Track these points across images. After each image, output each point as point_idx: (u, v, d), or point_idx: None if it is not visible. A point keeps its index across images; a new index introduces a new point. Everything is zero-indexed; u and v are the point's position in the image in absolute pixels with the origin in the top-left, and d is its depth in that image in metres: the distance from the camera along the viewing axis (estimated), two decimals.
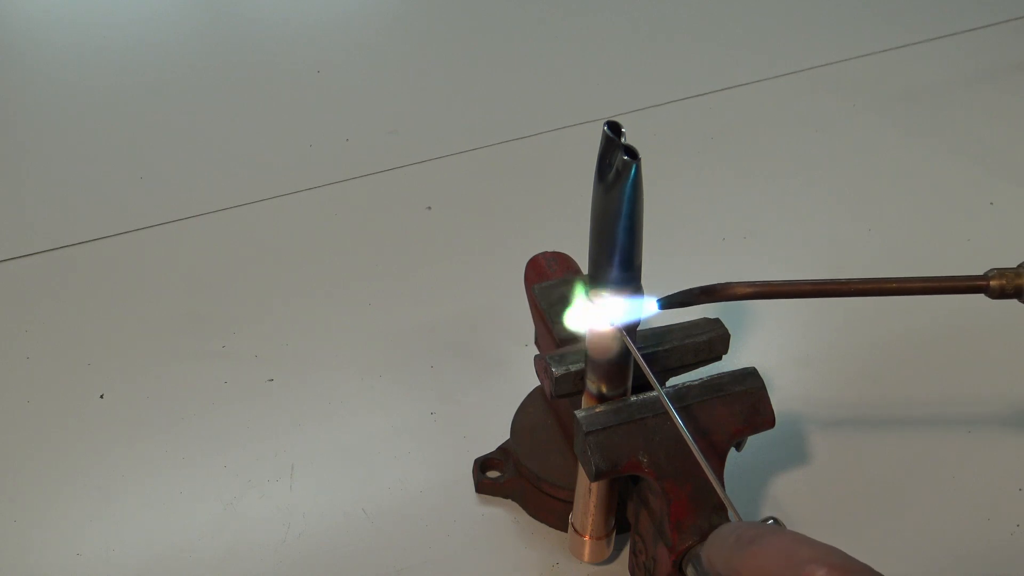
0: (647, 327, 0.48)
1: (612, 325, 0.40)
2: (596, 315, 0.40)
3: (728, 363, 0.49)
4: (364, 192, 0.79)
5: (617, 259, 0.38)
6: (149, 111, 0.91)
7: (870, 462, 0.57)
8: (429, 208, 0.77)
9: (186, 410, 0.60)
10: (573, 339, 0.50)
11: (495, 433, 0.56)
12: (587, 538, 0.48)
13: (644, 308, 0.40)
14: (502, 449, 0.56)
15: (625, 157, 0.34)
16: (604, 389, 0.44)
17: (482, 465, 0.55)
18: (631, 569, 0.49)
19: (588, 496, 0.46)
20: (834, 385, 0.62)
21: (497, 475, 0.55)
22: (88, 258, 0.73)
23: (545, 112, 0.88)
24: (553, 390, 0.46)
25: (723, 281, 0.40)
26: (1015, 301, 0.41)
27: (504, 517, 0.54)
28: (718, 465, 0.45)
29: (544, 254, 0.56)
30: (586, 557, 0.48)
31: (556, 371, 0.46)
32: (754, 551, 0.33)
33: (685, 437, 0.38)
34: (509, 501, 0.54)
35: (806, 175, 0.81)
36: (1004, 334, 0.65)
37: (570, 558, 0.50)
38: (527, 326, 0.56)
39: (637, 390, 0.45)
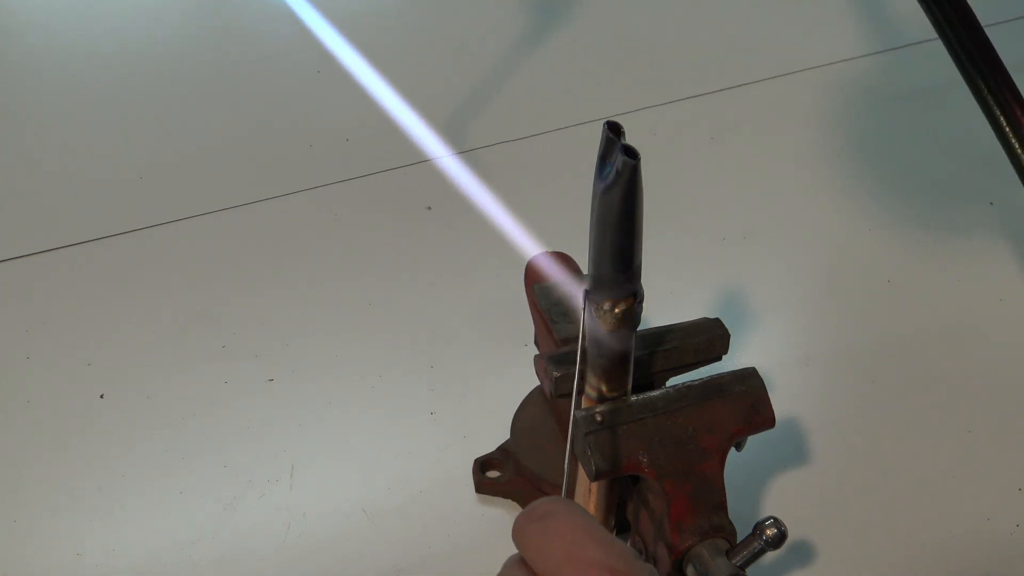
0: (646, 327, 0.48)
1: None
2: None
3: (728, 363, 0.49)
4: (364, 192, 0.79)
5: (617, 259, 0.38)
6: (148, 110, 0.90)
7: (870, 462, 0.57)
8: (429, 208, 0.77)
9: (186, 410, 0.60)
10: (573, 339, 0.50)
11: (495, 433, 0.56)
12: None
13: None
14: (502, 449, 0.55)
15: (625, 157, 0.34)
16: (604, 389, 0.44)
17: (482, 465, 0.55)
18: None
19: (588, 496, 0.46)
20: (834, 385, 0.62)
21: (497, 475, 0.55)
22: (88, 258, 0.72)
23: (545, 112, 0.88)
24: (553, 390, 0.46)
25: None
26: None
27: (504, 517, 0.54)
28: (718, 465, 0.45)
29: (544, 254, 0.56)
30: None
31: (556, 371, 0.46)
32: (542, 528, 0.32)
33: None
34: (509, 501, 0.54)
35: (806, 175, 0.81)
36: (1004, 334, 0.65)
37: None
38: (527, 326, 0.56)
39: (637, 390, 0.45)
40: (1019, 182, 0.53)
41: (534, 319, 0.54)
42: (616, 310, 0.39)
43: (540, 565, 0.32)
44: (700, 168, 0.82)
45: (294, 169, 0.82)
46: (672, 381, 0.48)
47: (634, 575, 0.31)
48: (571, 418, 0.41)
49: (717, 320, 0.49)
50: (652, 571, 0.31)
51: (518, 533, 0.34)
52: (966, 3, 0.54)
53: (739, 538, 0.44)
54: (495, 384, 0.61)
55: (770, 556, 0.43)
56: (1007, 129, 0.52)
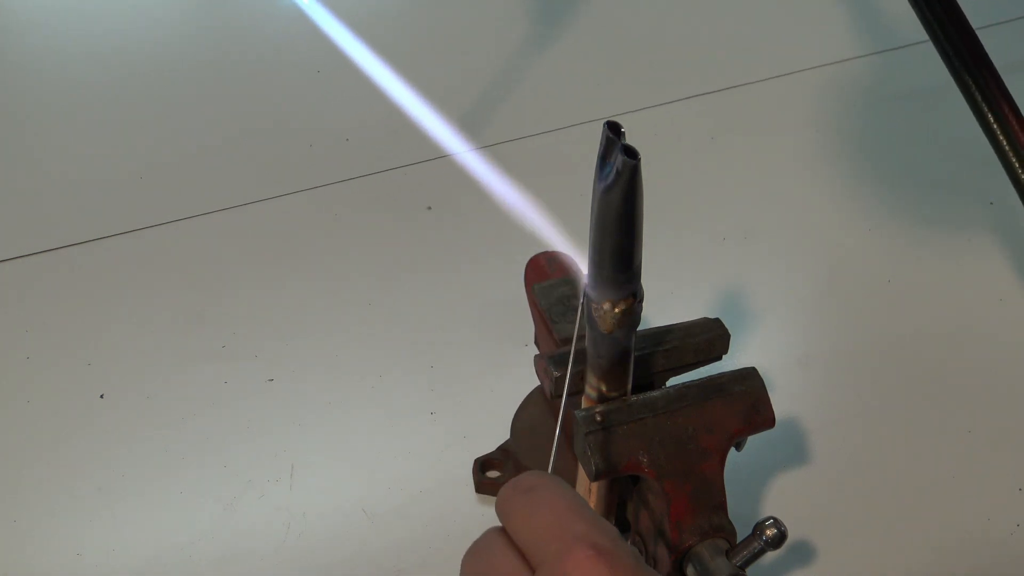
0: (646, 327, 0.48)
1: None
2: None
3: (728, 363, 0.49)
4: (364, 192, 0.79)
5: (617, 259, 0.38)
6: (148, 110, 0.90)
7: (870, 462, 0.57)
8: (429, 208, 0.77)
9: (186, 410, 0.60)
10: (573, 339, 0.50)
11: (495, 433, 0.56)
12: None
13: None
14: (502, 449, 0.56)
15: (625, 157, 0.34)
16: (604, 389, 0.44)
17: (482, 465, 0.55)
18: None
19: (588, 496, 0.46)
20: (834, 385, 0.62)
21: (497, 475, 0.55)
22: (88, 258, 0.72)
23: (546, 112, 0.88)
24: (553, 390, 0.46)
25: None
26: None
27: None
28: (718, 465, 0.45)
29: (544, 254, 0.56)
30: None
31: (556, 371, 0.46)
32: (527, 500, 0.32)
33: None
34: None
35: (806, 175, 0.81)
36: (1004, 334, 0.65)
37: None
38: (527, 326, 0.56)
39: (637, 390, 0.45)
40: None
41: (534, 319, 0.54)
42: (616, 310, 0.39)
43: (523, 538, 0.32)
44: (700, 168, 0.82)
45: (294, 169, 0.82)
46: (672, 381, 0.48)
47: (618, 554, 0.30)
48: (559, 417, 0.41)
49: (717, 320, 0.49)
50: (636, 553, 0.31)
51: (502, 504, 0.33)
52: (955, 3, 0.54)
53: (739, 538, 0.44)
54: (495, 384, 0.61)
55: (770, 556, 0.43)
56: (995, 126, 0.52)
